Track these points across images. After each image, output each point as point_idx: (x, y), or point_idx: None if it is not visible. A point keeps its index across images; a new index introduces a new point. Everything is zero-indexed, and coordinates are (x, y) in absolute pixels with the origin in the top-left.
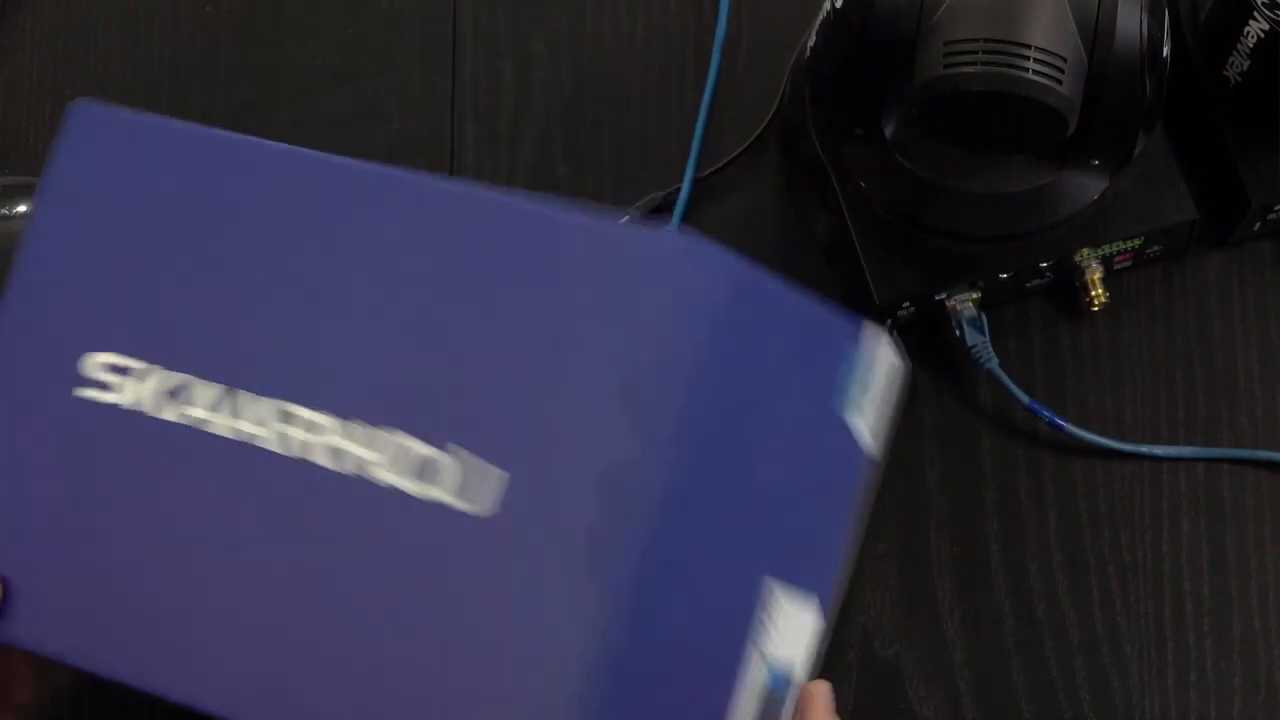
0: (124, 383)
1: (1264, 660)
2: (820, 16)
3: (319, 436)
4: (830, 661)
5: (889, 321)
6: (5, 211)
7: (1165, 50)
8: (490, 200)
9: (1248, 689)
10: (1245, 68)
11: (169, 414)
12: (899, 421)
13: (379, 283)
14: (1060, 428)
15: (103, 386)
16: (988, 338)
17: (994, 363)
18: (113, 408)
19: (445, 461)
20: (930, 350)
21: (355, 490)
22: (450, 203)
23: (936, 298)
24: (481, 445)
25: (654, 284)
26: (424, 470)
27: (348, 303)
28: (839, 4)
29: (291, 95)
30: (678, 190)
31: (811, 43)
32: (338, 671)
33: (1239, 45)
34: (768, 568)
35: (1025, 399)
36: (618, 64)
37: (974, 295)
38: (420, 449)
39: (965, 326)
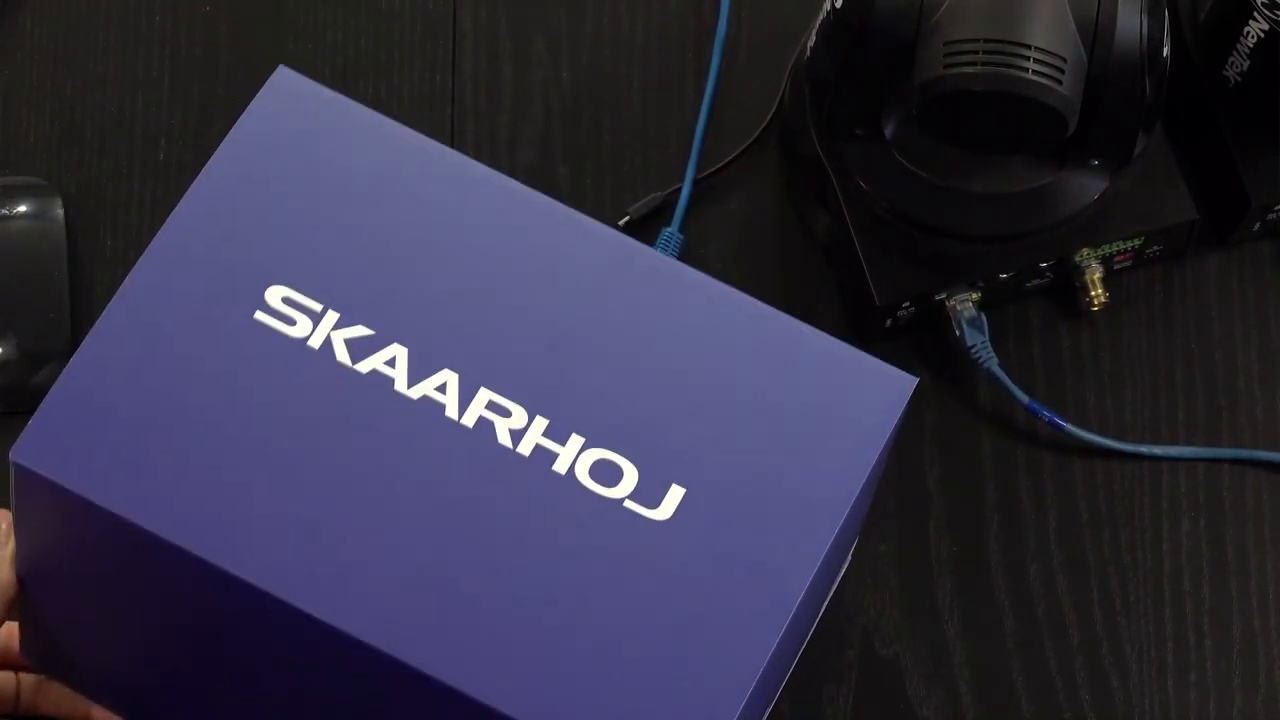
0: (305, 320)
1: (1264, 660)
2: (820, 17)
3: (502, 418)
4: (830, 661)
5: (889, 322)
6: (5, 211)
7: (1165, 50)
8: (714, 289)
9: (1248, 689)
10: (1245, 68)
11: (349, 360)
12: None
13: (561, 303)
14: (1060, 428)
15: (284, 319)
16: (988, 338)
17: (994, 363)
18: (294, 340)
19: (626, 467)
20: (930, 350)
21: (531, 471)
22: (671, 276)
23: (936, 298)
24: (662, 462)
25: (867, 400)
26: (603, 471)
27: (530, 314)
28: (839, 4)
29: None
30: (678, 190)
31: (811, 43)
32: (480, 621)
33: (1239, 45)
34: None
35: (1025, 399)
36: (618, 64)
37: (974, 295)
38: (602, 454)
39: (965, 326)
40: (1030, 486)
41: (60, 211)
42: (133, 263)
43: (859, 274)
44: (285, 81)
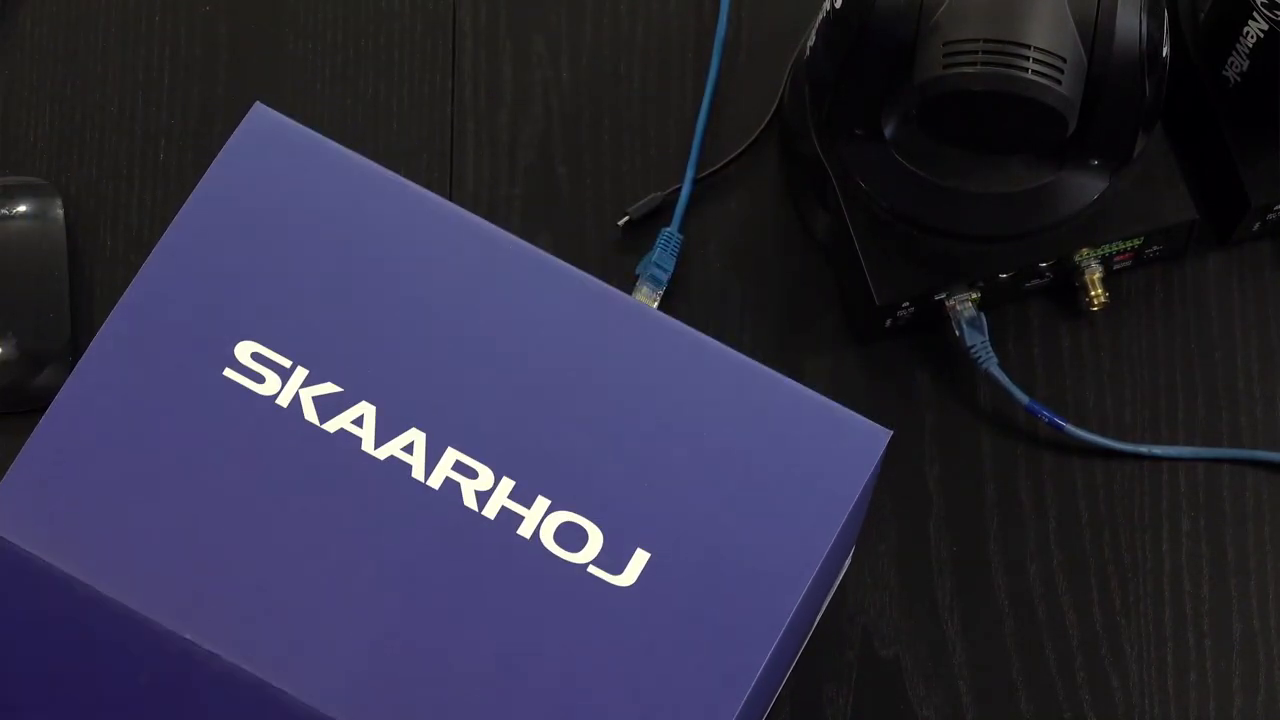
0: (274, 378)
1: (1264, 660)
2: (820, 17)
3: (468, 480)
4: (830, 661)
5: (889, 322)
6: (5, 211)
7: (1165, 50)
8: (696, 340)
9: (1248, 689)
10: (1245, 68)
11: (317, 419)
12: (899, 422)
13: (533, 357)
14: (1060, 428)
15: (253, 376)
16: (988, 338)
17: (994, 363)
18: (263, 399)
19: (591, 530)
20: (930, 350)
21: (496, 535)
22: (643, 321)
23: (936, 298)
24: (627, 525)
25: (839, 454)
26: (568, 535)
27: (500, 369)
28: (838, 4)
29: (291, 95)
30: (678, 190)
31: (811, 43)
32: (437, 693)
33: (1239, 45)
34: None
35: (1025, 399)
36: (618, 64)
37: (974, 295)
38: (568, 517)
39: (965, 327)
40: (1030, 486)
41: (60, 211)
42: (133, 263)
43: (859, 274)
44: (261, 122)
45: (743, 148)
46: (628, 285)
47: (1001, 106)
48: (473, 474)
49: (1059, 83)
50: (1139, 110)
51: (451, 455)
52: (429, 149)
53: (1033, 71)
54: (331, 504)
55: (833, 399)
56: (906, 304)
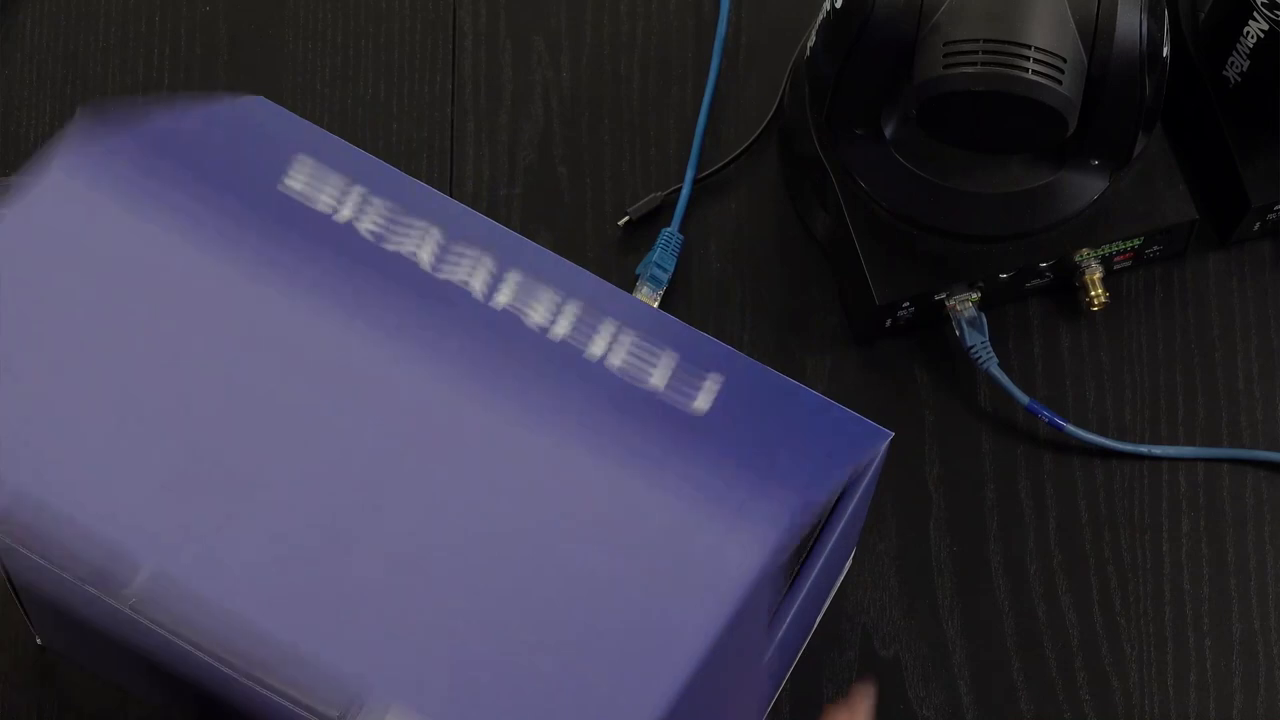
0: (330, 194)
1: (1264, 660)
2: (820, 17)
3: (534, 301)
4: (830, 661)
5: (889, 322)
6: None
7: (1165, 50)
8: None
9: (1248, 689)
10: (1245, 68)
11: (372, 237)
12: (899, 422)
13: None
14: (1060, 428)
15: (309, 190)
16: (988, 338)
17: (994, 363)
18: (321, 214)
19: (662, 355)
20: (930, 350)
21: (559, 347)
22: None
23: (936, 298)
24: (700, 360)
25: (839, 454)
26: (641, 353)
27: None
28: (839, 4)
29: (291, 95)
30: (678, 190)
31: (811, 43)
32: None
33: (1239, 45)
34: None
35: (1025, 399)
36: (618, 64)
37: (974, 295)
38: (642, 343)
39: (965, 327)
40: (1030, 486)
41: None
42: None
43: (859, 274)
44: (258, 104)
45: (743, 148)
46: (628, 285)
47: (1001, 106)
48: (536, 299)
49: (1059, 83)
50: (1139, 110)
51: (513, 279)
52: (429, 149)
53: (1033, 71)
54: (388, 307)
55: (833, 399)
56: (906, 304)
